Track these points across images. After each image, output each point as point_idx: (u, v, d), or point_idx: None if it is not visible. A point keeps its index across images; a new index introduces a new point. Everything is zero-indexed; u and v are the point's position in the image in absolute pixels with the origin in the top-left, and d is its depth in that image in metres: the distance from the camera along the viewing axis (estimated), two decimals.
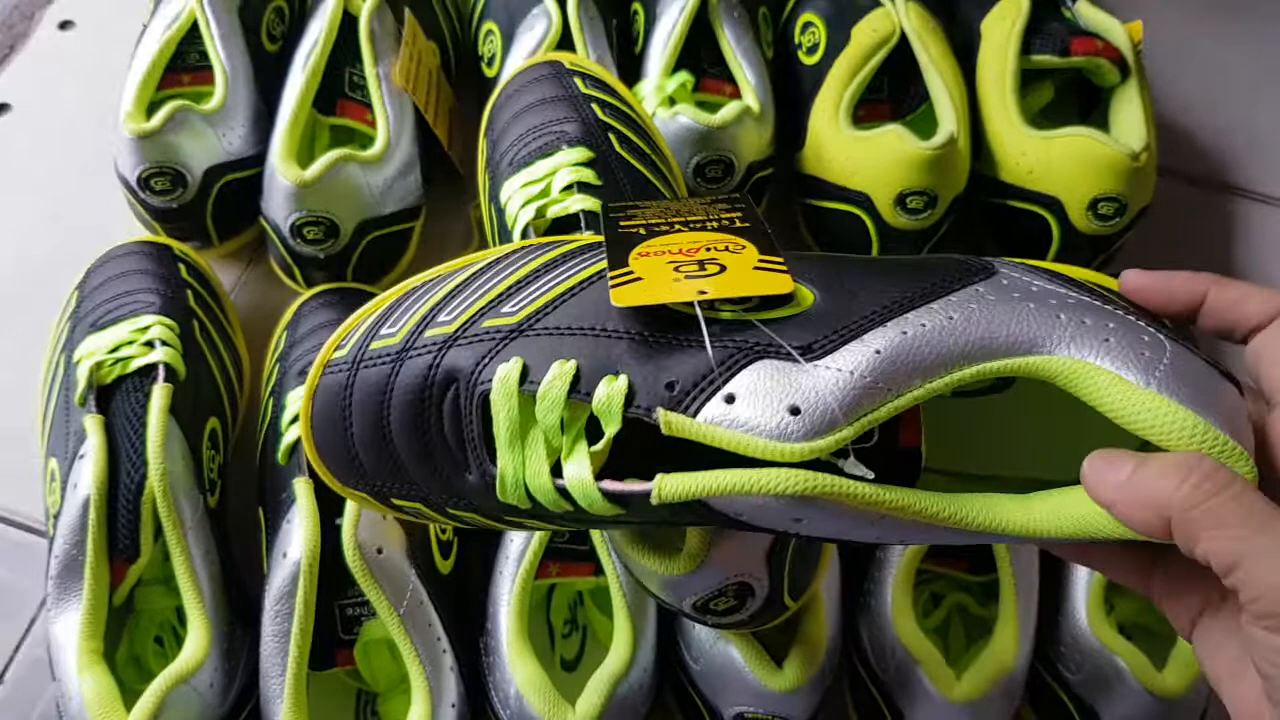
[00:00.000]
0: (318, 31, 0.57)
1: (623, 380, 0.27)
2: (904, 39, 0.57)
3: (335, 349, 0.31)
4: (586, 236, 0.33)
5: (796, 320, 0.27)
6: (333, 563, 0.41)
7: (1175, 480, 0.22)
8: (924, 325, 0.26)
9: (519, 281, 0.30)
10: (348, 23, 0.57)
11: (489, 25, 0.61)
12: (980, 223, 0.60)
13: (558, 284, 0.30)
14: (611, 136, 0.44)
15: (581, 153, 0.43)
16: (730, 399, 0.26)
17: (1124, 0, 0.70)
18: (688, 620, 0.42)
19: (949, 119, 0.54)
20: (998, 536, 0.26)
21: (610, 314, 0.28)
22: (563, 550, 0.45)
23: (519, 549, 0.42)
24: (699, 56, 0.59)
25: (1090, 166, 0.53)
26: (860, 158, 0.54)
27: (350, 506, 0.40)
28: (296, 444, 0.44)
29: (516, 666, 0.40)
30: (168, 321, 0.48)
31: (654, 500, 0.26)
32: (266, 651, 0.40)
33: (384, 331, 0.31)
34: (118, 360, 0.46)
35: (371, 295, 0.54)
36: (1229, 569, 0.21)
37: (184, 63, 0.58)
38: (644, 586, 0.38)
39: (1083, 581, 0.45)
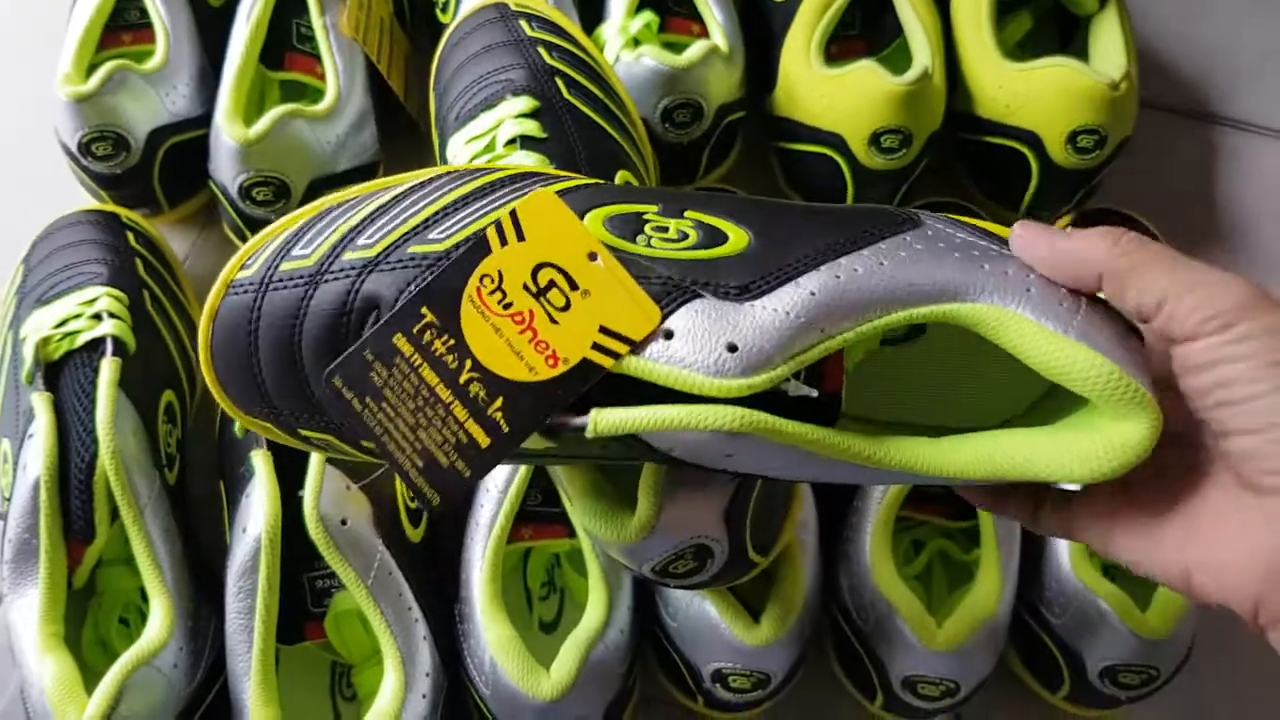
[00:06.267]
0: None
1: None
2: None
3: (240, 268, 0.29)
4: (512, 166, 0.31)
5: (732, 261, 0.27)
6: (297, 534, 0.40)
7: (1106, 242, 0.26)
8: (856, 270, 0.27)
9: (445, 208, 0.29)
10: None
11: None
12: (957, 161, 0.58)
13: (485, 214, 0.28)
14: (559, 81, 0.42)
15: (526, 102, 0.41)
16: (669, 335, 0.26)
17: None
18: None
19: (923, 53, 0.52)
20: (914, 476, 0.27)
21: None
22: (536, 513, 0.44)
23: (490, 514, 0.41)
24: None
25: (1068, 98, 0.51)
26: (832, 97, 0.52)
27: (312, 477, 0.39)
28: None
29: (490, 632, 0.39)
30: (116, 293, 0.46)
31: (590, 433, 0.26)
32: (232, 629, 0.39)
33: (296, 252, 0.29)
34: (65, 335, 0.45)
35: None
36: (1157, 306, 0.25)
37: (124, 21, 0.56)
38: (609, 554, 0.37)
39: None
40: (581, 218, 0.28)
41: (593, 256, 0.27)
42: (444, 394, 0.27)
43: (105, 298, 0.46)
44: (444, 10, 0.58)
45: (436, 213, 0.29)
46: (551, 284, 0.27)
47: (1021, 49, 0.58)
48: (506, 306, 0.27)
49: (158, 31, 0.54)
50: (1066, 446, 0.26)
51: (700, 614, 0.40)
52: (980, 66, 0.55)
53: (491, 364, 0.27)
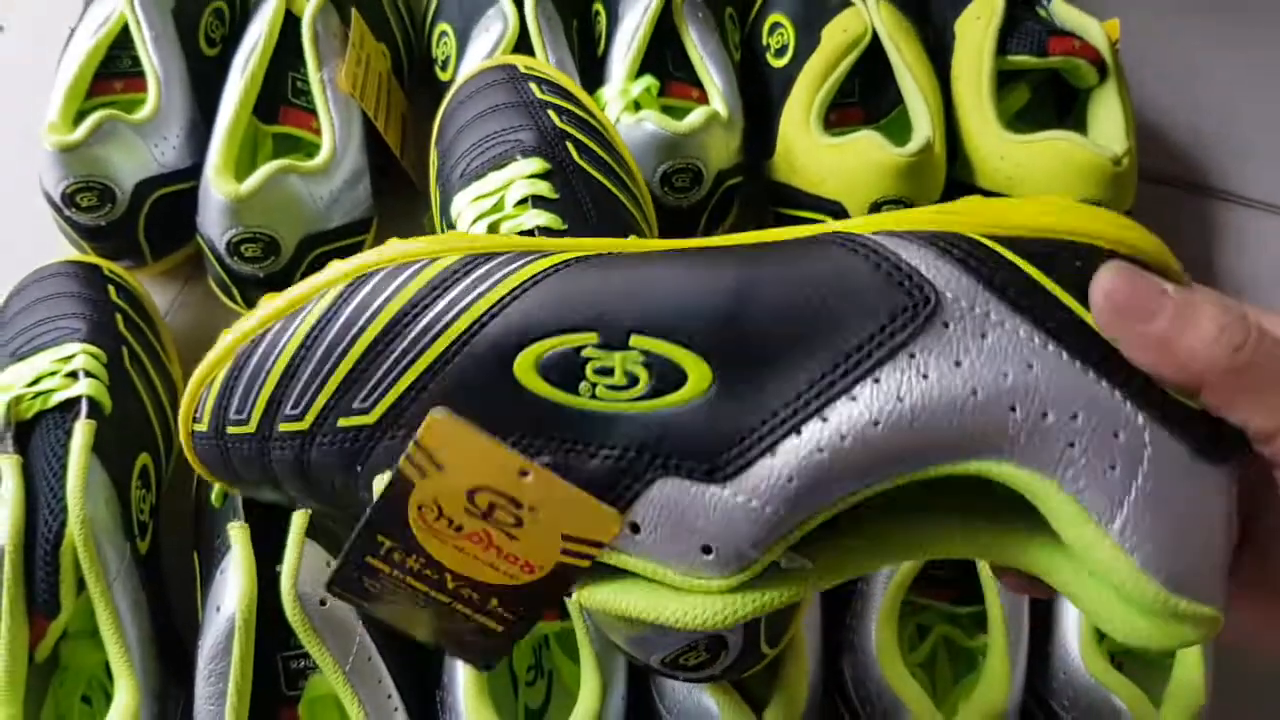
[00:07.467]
0: (258, 34, 0.53)
1: None
2: (876, 40, 0.54)
3: (193, 421, 0.27)
4: (413, 285, 0.25)
5: (694, 416, 0.23)
6: (274, 611, 0.38)
7: (1224, 344, 0.21)
8: (843, 441, 0.22)
9: (359, 362, 0.25)
10: (290, 24, 0.54)
11: (443, 26, 0.58)
12: None
13: (405, 369, 0.25)
14: (569, 145, 0.41)
15: (537, 163, 0.40)
16: (635, 528, 0.23)
17: None
18: None
19: (924, 123, 0.52)
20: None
21: (486, 400, 0.24)
22: None
23: None
24: (664, 59, 0.56)
25: (1071, 171, 0.51)
26: (832, 165, 0.52)
27: (290, 553, 0.37)
28: None
29: None
30: (93, 349, 0.45)
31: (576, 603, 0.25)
32: (201, 715, 0.37)
33: (233, 415, 0.26)
34: (38, 394, 0.43)
35: None
36: (1269, 437, 0.21)
37: (116, 68, 0.55)
38: (612, 640, 0.35)
39: (1073, 610, 0.43)
40: (511, 361, 0.24)
41: (524, 473, 0.24)
42: (440, 597, 0.26)
43: (82, 355, 0.44)
44: (444, 68, 0.57)
45: (352, 370, 0.25)
46: (493, 506, 0.24)
47: (1020, 120, 0.58)
48: (459, 529, 0.25)
49: (149, 80, 0.53)
50: (1108, 602, 0.22)
51: (698, 708, 0.39)
52: (981, 138, 0.54)
53: (470, 574, 0.25)
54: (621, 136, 0.50)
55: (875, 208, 0.50)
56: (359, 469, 0.25)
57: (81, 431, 0.41)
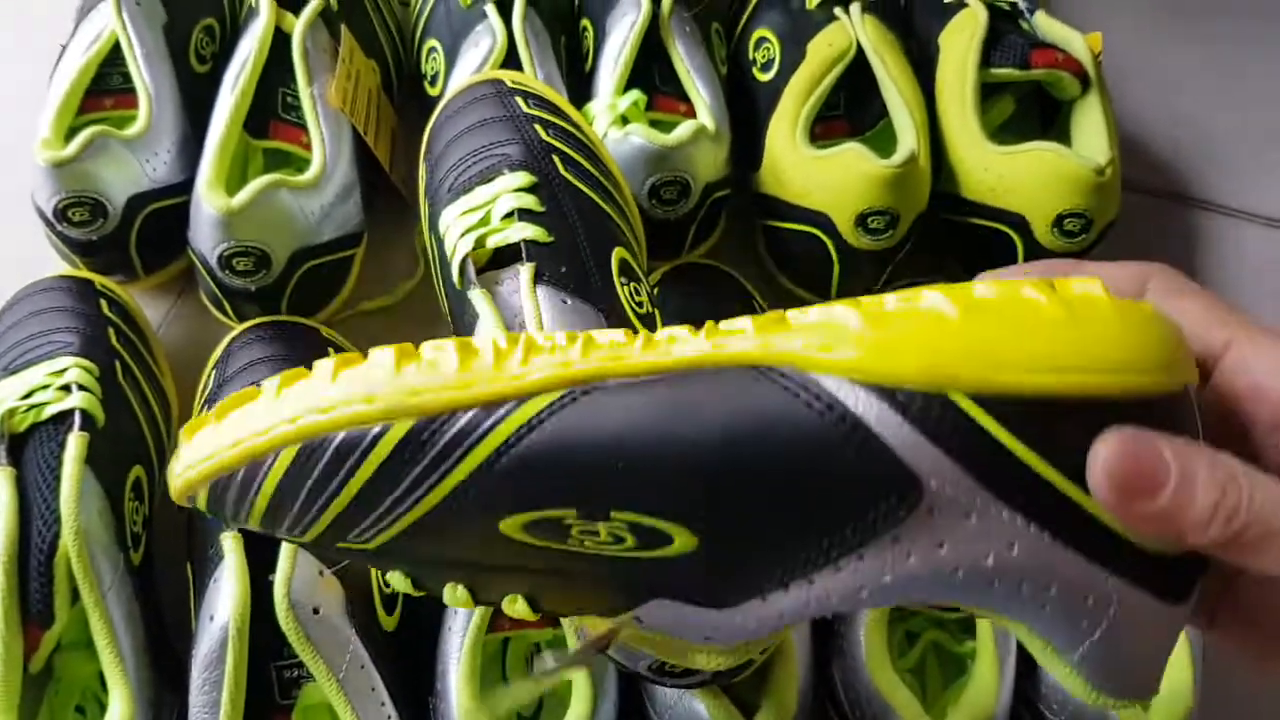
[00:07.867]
0: (248, 50, 0.54)
1: (522, 602, 0.26)
2: (861, 53, 0.55)
3: (190, 504, 0.27)
4: (373, 458, 0.25)
5: (683, 565, 0.24)
6: (266, 621, 0.38)
7: (1206, 510, 0.21)
8: (829, 598, 0.23)
9: (338, 518, 0.25)
10: (280, 41, 0.54)
11: (431, 42, 0.59)
12: (943, 242, 0.59)
13: (390, 524, 0.25)
14: (556, 159, 0.42)
15: (523, 177, 0.41)
16: (639, 620, 0.25)
17: (1077, 11, 0.69)
18: None
19: (909, 135, 0.53)
20: None
21: (479, 546, 0.25)
22: None
23: None
24: (651, 74, 0.56)
25: (1054, 182, 0.52)
26: (819, 177, 0.52)
27: (283, 562, 0.37)
28: None
29: None
30: (86, 363, 0.45)
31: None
32: None
33: (231, 520, 0.26)
34: (31, 407, 0.43)
35: (308, 328, 0.51)
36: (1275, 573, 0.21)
37: (107, 85, 0.55)
38: None
39: None
40: (496, 525, 0.24)
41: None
42: None
43: (75, 368, 0.44)
44: (433, 84, 0.58)
45: (334, 522, 0.25)
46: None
47: (1003, 132, 0.59)
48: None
49: (140, 97, 0.53)
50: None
51: (689, 713, 0.39)
52: (965, 149, 0.55)
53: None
54: (609, 150, 0.51)
55: (861, 219, 0.51)
56: (371, 567, 0.27)
57: (75, 443, 0.41)
